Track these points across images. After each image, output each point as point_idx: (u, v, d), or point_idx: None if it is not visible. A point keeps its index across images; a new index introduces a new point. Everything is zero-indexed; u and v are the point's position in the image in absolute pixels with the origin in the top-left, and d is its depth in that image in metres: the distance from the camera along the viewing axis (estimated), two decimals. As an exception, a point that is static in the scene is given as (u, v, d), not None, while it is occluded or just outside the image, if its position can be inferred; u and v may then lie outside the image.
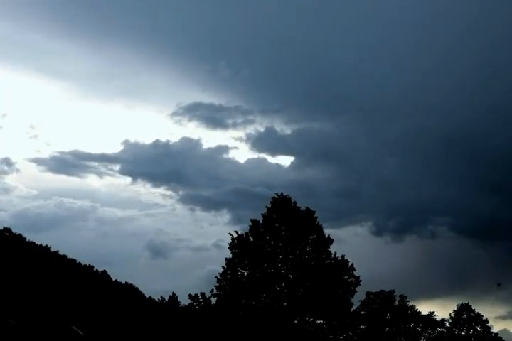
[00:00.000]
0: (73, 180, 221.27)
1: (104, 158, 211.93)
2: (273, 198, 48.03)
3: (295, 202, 47.80)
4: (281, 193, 48.10)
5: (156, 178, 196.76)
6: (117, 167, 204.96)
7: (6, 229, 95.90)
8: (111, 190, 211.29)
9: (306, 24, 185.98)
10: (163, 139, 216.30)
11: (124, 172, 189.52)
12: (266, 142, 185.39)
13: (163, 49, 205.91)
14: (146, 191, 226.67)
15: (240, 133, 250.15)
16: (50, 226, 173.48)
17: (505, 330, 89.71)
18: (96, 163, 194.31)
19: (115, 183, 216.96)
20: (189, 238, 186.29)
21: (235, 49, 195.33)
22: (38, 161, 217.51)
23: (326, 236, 47.39)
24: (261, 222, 47.22)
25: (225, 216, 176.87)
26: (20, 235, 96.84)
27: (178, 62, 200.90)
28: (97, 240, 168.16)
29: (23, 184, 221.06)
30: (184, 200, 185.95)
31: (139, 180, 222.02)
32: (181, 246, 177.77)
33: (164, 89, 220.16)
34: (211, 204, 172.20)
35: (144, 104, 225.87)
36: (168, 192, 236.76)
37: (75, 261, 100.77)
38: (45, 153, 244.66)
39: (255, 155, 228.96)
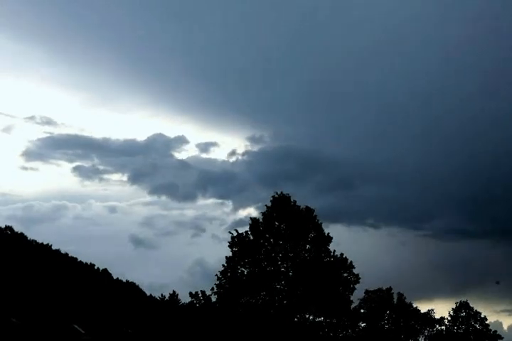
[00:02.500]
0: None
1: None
2: (273, 197, 48.27)
3: (295, 201, 48.06)
4: (281, 192, 48.40)
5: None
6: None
7: (8, 227, 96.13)
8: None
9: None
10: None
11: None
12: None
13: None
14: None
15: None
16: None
17: (497, 322, 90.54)
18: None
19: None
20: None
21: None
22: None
23: (326, 234, 47.66)
24: (261, 220, 47.47)
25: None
26: (21, 233, 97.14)
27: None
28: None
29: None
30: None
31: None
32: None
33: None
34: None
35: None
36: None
37: (76, 259, 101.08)
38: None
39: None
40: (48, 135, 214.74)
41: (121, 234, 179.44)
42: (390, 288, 70.76)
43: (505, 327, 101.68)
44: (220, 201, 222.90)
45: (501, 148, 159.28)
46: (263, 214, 47.76)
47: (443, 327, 74.59)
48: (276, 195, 48.26)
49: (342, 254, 47.16)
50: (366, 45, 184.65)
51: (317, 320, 46.64)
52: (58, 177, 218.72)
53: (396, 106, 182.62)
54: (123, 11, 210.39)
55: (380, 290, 70.08)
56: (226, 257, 46.55)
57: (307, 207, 48.16)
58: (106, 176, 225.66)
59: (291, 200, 48.13)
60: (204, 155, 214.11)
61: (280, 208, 47.42)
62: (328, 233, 47.71)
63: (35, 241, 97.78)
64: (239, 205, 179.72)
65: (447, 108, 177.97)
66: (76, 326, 73.91)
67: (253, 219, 47.61)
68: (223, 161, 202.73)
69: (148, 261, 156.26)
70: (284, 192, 48.33)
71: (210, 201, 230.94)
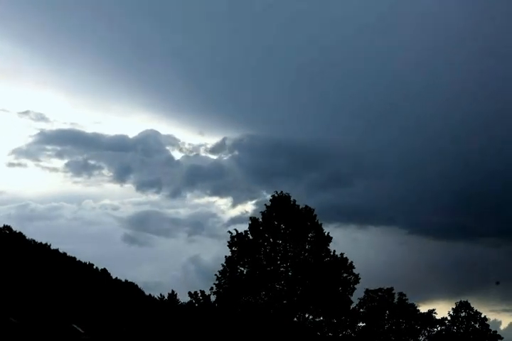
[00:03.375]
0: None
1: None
2: (272, 196, 48.11)
3: (294, 201, 47.89)
4: (281, 191, 48.24)
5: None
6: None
7: (7, 227, 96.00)
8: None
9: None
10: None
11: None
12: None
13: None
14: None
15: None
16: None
17: (495, 321, 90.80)
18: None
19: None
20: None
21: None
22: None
23: (326, 234, 47.50)
24: (260, 220, 47.30)
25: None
26: (20, 233, 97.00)
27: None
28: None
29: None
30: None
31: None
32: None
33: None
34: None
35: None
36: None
37: (74, 259, 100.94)
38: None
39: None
40: (39, 131, 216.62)
41: (114, 233, 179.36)
42: (392, 288, 70.33)
43: (502, 327, 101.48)
44: (213, 199, 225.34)
45: (502, 143, 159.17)
46: (262, 213, 47.58)
47: (443, 327, 74.23)
48: (276, 195, 48.12)
49: (342, 254, 46.99)
50: (356, 35, 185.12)
51: (317, 319, 46.52)
52: (50, 173, 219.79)
53: (390, 100, 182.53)
54: (120, 15, 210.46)
55: (380, 289, 69.70)
56: (225, 257, 46.42)
57: (307, 207, 48.00)
58: (98, 172, 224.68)
59: (291, 200, 47.99)
60: (196, 154, 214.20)
61: (280, 208, 47.25)
62: (328, 233, 47.60)
63: (34, 240, 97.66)
64: (234, 202, 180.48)
65: (442, 103, 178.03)
66: (75, 326, 73.75)
67: (252, 219, 47.46)
68: (217, 159, 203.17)
69: (144, 260, 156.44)
70: (278, 190, 48.35)
71: (205, 198, 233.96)
